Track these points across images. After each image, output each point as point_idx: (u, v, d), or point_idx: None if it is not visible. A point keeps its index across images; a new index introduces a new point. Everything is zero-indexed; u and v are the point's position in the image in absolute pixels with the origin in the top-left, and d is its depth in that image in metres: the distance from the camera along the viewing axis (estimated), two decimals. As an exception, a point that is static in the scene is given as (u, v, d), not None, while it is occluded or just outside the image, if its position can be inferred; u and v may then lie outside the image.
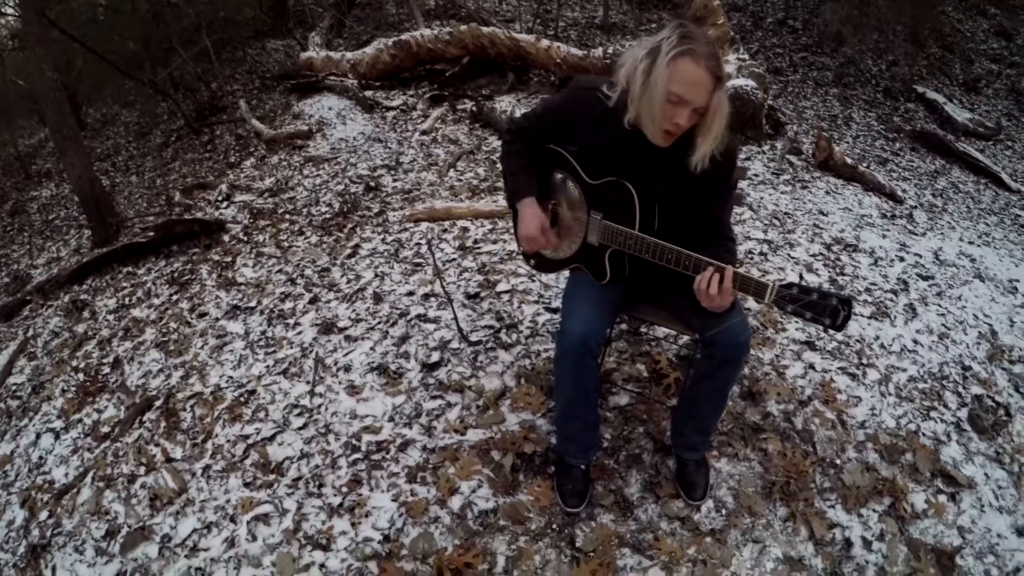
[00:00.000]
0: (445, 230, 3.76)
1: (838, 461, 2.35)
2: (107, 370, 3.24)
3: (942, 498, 2.28)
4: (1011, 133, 6.19)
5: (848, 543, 2.10)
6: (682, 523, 2.10)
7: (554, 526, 2.08)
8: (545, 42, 5.66)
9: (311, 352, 2.85)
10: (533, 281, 3.24)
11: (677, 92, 1.65)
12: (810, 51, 6.76)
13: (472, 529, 2.08)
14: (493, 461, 2.27)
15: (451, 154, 4.85)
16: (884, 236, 4.06)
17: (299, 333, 3.01)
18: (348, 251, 3.65)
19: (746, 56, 5.30)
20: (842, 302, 1.61)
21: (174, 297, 3.61)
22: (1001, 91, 6.67)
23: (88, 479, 2.59)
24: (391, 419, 2.45)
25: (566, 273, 2.24)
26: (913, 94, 6.32)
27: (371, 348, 2.83)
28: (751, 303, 3.02)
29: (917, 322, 3.22)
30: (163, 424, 2.68)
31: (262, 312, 3.23)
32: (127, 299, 3.79)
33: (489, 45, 5.71)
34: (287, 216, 4.16)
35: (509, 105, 5.22)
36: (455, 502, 2.14)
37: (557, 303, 3.08)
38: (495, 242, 3.60)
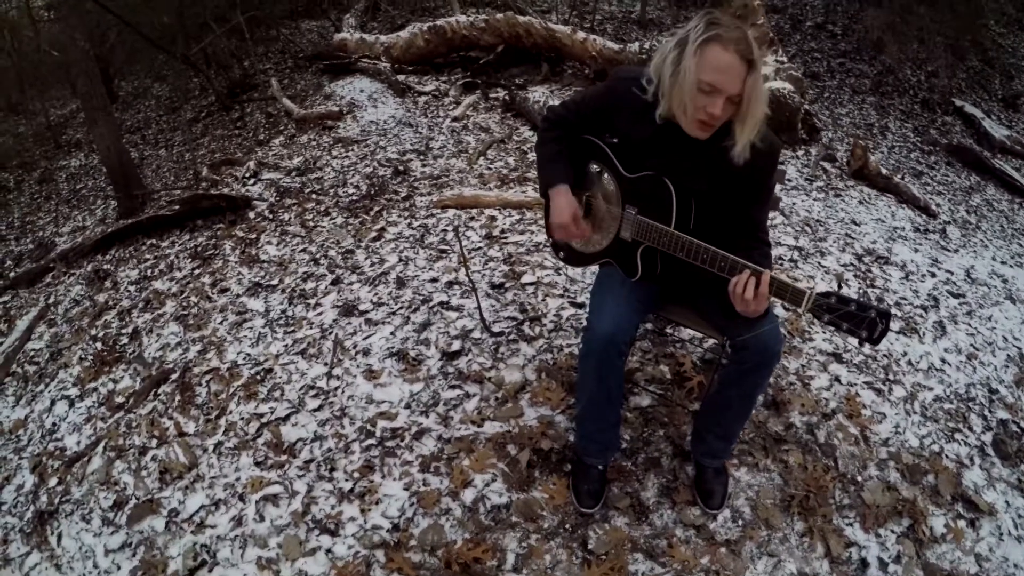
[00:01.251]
0: (472, 218, 3.71)
1: (859, 478, 2.30)
2: (125, 341, 3.25)
3: (961, 523, 2.22)
4: (1050, 152, 5.98)
5: (864, 563, 2.05)
6: (697, 531, 2.05)
7: (567, 526, 2.04)
8: (581, 34, 5.58)
9: (330, 334, 2.83)
10: (559, 274, 3.19)
11: (708, 80, 1.58)
12: (848, 57, 6.61)
13: (483, 524, 2.04)
14: (509, 455, 2.23)
15: (482, 142, 4.80)
16: (916, 250, 3.95)
17: (319, 314, 2.98)
18: (373, 234, 3.61)
19: (784, 59, 5.19)
20: (880, 315, 1.55)
21: (196, 271, 3.60)
22: (1042, 108, 6.46)
23: (100, 448, 2.59)
24: (408, 406, 2.42)
25: (594, 268, 2.19)
26: (951, 107, 6.14)
27: (391, 333, 2.79)
28: (779, 309, 2.96)
29: (946, 340, 3.12)
30: (178, 398, 2.68)
31: (283, 291, 3.21)
32: (149, 271, 3.80)
33: (524, 35, 5.64)
34: (314, 196, 4.14)
35: (543, 96, 5.15)
36: (468, 495, 2.10)
37: (583, 298, 3.03)
38: (522, 233, 3.55)
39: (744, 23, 5.06)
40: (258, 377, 2.66)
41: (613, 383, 1.92)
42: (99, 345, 3.29)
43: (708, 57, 1.57)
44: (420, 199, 3.98)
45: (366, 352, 2.70)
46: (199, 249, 3.83)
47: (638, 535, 2.03)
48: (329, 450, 2.27)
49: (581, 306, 2.98)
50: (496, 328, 2.82)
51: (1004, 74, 6.71)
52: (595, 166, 2.05)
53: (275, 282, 3.30)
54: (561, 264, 3.27)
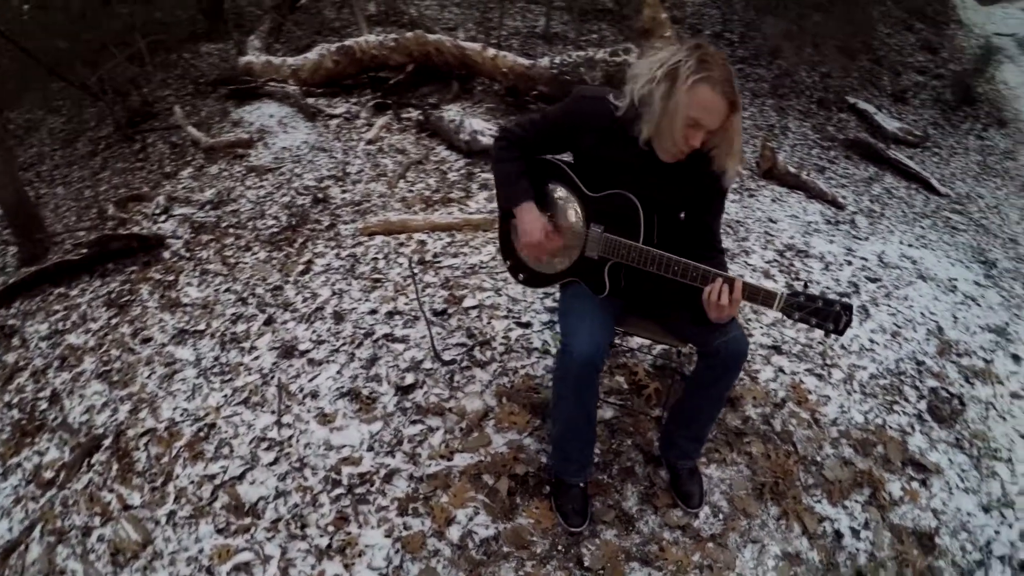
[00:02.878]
0: (402, 244, 3.62)
1: (818, 458, 2.48)
2: (44, 406, 2.94)
3: (915, 484, 2.47)
4: (937, 140, 6.53)
5: (838, 534, 2.22)
6: (683, 531, 2.13)
7: (559, 547, 2.04)
8: (491, 51, 5.58)
9: (272, 378, 2.67)
10: (500, 295, 3.16)
11: (695, 116, 1.68)
12: (747, 63, 6.96)
13: (476, 559, 1.99)
14: (487, 486, 2.19)
15: (400, 164, 4.70)
16: (831, 241, 4.20)
17: (256, 358, 2.81)
18: (301, 267, 3.45)
19: (690, 68, 5.39)
20: (844, 308, 1.70)
21: (113, 321, 3.32)
22: (927, 101, 7.03)
23: (36, 533, 2.33)
24: (370, 448, 2.32)
25: (541, 288, 2.19)
26: (845, 105, 6.57)
27: (338, 372, 2.67)
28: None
29: (871, 322, 3.38)
30: (115, 466, 2.44)
31: (213, 336, 3.01)
32: (61, 324, 3.46)
33: (435, 53, 5.58)
34: (232, 230, 3.92)
35: (457, 114, 5.09)
36: (454, 532, 2.04)
37: (527, 317, 3.02)
38: (455, 255, 3.50)
39: (652, 36, 5.26)
40: (201, 434, 2.47)
41: (591, 402, 1.96)
42: (15, 413, 2.96)
43: (698, 96, 1.66)
44: (344, 227, 3.84)
45: (314, 395, 2.57)
46: (113, 296, 3.52)
47: (629, 544, 2.08)
48: (296, 505, 2.14)
49: (527, 326, 2.97)
50: (447, 356, 2.76)
51: (892, 71, 7.26)
52: (555, 186, 2.06)
53: (202, 327, 3.08)
54: (501, 285, 3.25)
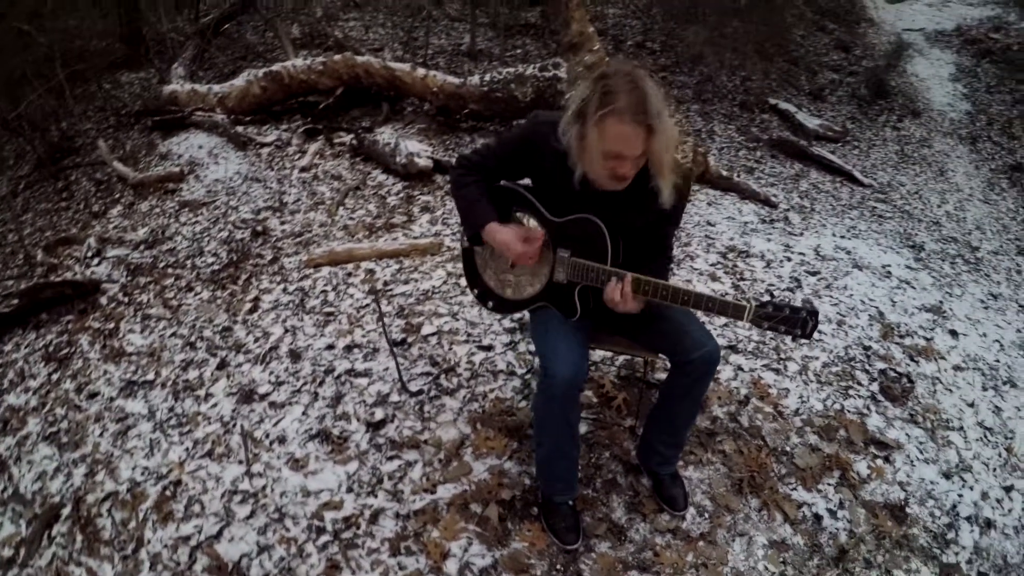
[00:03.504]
0: (350, 274, 3.55)
1: (787, 448, 2.59)
2: None
3: (879, 462, 2.60)
4: (856, 134, 6.86)
5: (817, 517, 2.32)
6: (674, 534, 2.18)
7: (558, 566, 2.06)
8: (421, 71, 5.56)
9: (234, 426, 2.57)
10: (457, 319, 3.15)
11: (611, 151, 1.69)
12: (669, 71, 7.18)
13: (478, 590, 1.95)
14: (476, 515, 2.17)
15: (337, 191, 4.62)
16: (769, 240, 4.36)
17: (214, 406, 2.70)
18: (248, 305, 3.34)
19: (619, 79, 5.51)
20: (810, 313, 1.77)
21: (54, 376, 3.11)
22: (843, 98, 7.39)
23: (2, 621, 2.16)
24: (350, 490, 2.26)
25: (511, 314, 2.19)
26: (767, 106, 6.84)
27: (303, 413, 2.60)
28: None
29: (826, 326, 3.47)
30: (79, 537, 2.28)
31: (164, 385, 2.87)
32: None
33: (364, 75, 5.52)
34: (170, 270, 3.75)
35: (392, 136, 5.04)
36: (451, 566, 2.02)
37: (488, 340, 3.02)
38: (406, 282, 3.46)
39: (580, 50, 5.34)
40: (167, 493, 2.34)
41: (575, 422, 2.00)
42: (-42, 486, 2.73)
43: (607, 130, 1.67)
44: (288, 260, 3.74)
45: (282, 440, 2.48)
46: (51, 349, 3.31)
47: (625, 554, 2.11)
48: (282, 559, 2.05)
49: (489, 348, 2.96)
50: (413, 387, 2.72)
51: (808, 71, 7.63)
52: (518, 212, 2.07)
53: (151, 376, 2.93)
54: (457, 309, 3.24)
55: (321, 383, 2.74)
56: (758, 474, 2.43)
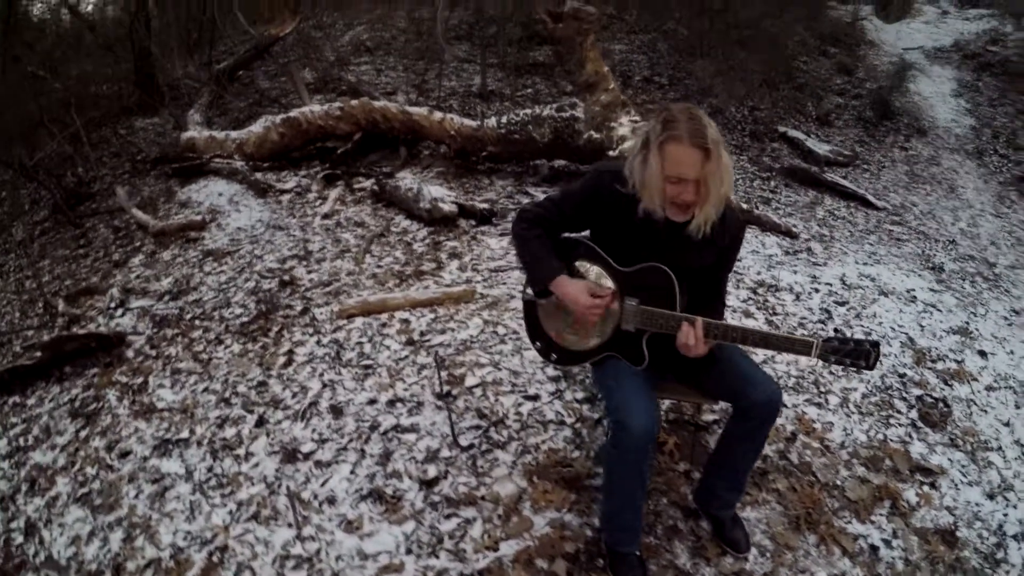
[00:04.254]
0: (384, 324, 3.47)
1: (838, 482, 2.63)
2: (20, 539, 2.58)
3: (926, 488, 2.68)
4: (865, 157, 6.90)
5: (873, 548, 2.37)
6: None
7: None
8: (438, 114, 5.58)
9: (280, 487, 2.47)
10: (500, 369, 3.09)
11: (673, 173, 1.78)
12: (679, 105, 7.23)
13: (555, 647, 1.87)
14: (543, 570, 2.13)
15: (362, 239, 4.57)
16: (795, 272, 4.34)
17: (256, 465, 2.60)
18: (282, 359, 3.25)
19: (638, 118, 5.53)
20: (872, 345, 1.82)
21: (82, 433, 3.00)
22: (850, 121, 7.46)
23: None
24: (409, 551, 2.17)
25: (575, 366, 2.16)
26: (776, 134, 6.88)
27: (351, 472, 2.51)
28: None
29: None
30: (125, 609, 2.18)
31: (200, 444, 2.77)
32: (22, 440, 3.09)
33: (382, 120, 5.53)
34: (197, 322, 3.67)
35: (414, 181, 5.01)
36: (524, 624, 1.93)
37: (533, 389, 2.95)
38: (443, 332, 3.38)
39: (596, 90, 5.37)
40: (215, 559, 2.23)
41: (646, 472, 2.01)
42: (-11, 552, 2.62)
43: (668, 153, 1.77)
44: (319, 311, 3.67)
45: (331, 500, 2.39)
46: (78, 404, 3.19)
47: None
48: (348, 631, 1.95)
49: (536, 398, 2.90)
50: (464, 441, 2.64)
51: (814, 96, 7.70)
52: (583, 264, 2.08)
53: (185, 434, 2.83)
54: (498, 359, 3.16)
55: (367, 440, 2.66)
56: (813, 510, 2.45)
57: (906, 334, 3.74)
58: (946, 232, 5.67)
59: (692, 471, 2.54)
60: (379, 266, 4.20)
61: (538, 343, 2.22)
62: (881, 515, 2.51)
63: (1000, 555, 2.46)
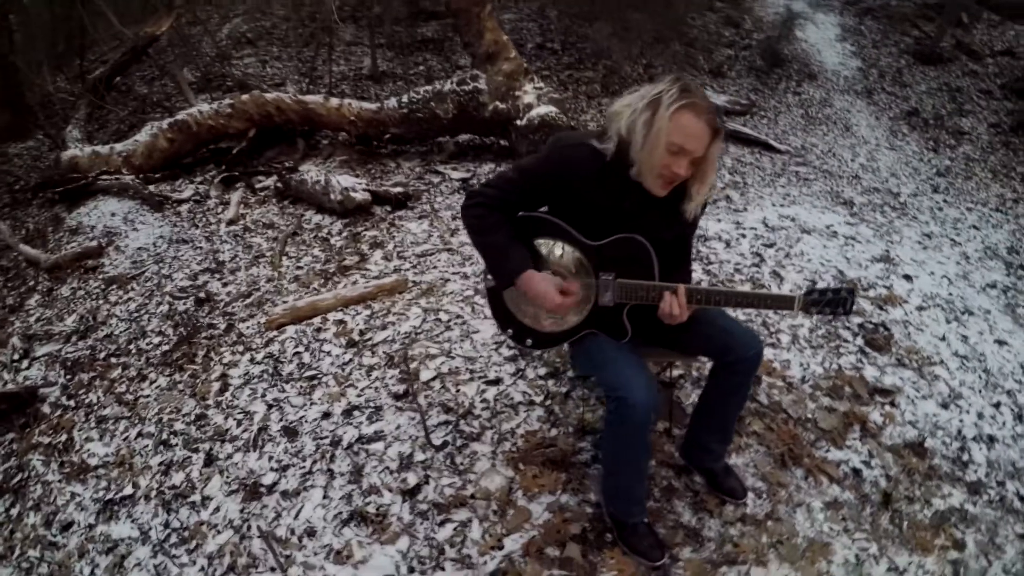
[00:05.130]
0: (319, 329, 3.26)
1: (808, 415, 2.72)
2: None
3: (887, 407, 2.82)
4: (761, 104, 7.08)
5: (856, 471, 2.49)
6: (743, 522, 2.23)
7: None
8: (335, 100, 5.28)
9: (250, 529, 2.26)
10: (453, 358, 2.97)
11: (677, 142, 1.69)
12: (574, 68, 7.18)
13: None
14: (556, 558, 2.07)
15: (275, 241, 4.28)
16: (719, 220, 4.39)
17: (216, 510, 2.37)
18: (216, 386, 2.99)
19: (542, 84, 5.44)
20: (848, 292, 1.86)
21: (13, 511, 2.63)
22: (742, 71, 7.63)
23: None
24: (411, 570, 2.05)
25: (554, 348, 2.12)
26: (673, 90, 6.96)
27: (324, 497, 2.33)
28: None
29: (786, 283, 3.64)
30: None
31: (148, 498, 2.49)
32: None
33: (276, 112, 5.16)
34: (114, 360, 3.31)
35: (320, 173, 4.73)
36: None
37: (493, 373, 2.86)
38: (384, 328, 3.22)
39: (497, 59, 5.22)
40: (196, 624, 2.02)
41: (649, 442, 2.01)
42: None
43: (681, 122, 1.68)
44: (245, 326, 3.41)
45: (311, 533, 2.21)
46: (0, 479, 2.80)
47: (708, 554, 2.12)
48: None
49: (497, 382, 2.80)
50: (436, 440, 2.51)
51: (705, 51, 7.82)
52: (547, 241, 1.97)
53: (129, 490, 2.54)
54: (448, 347, 3.04)
55: (332, 458, 2.47)
56: (793, 446, 2.53)
57: (836, 267, 3.87)
58: (848, 168, 5.94)
59: (671, 428, 2.55)
60: (299, 267, 3.96)
61: (510, 330, 2.10)
62: (854, 439, 2.62)
63: (965, 457, 2.64)
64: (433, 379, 2.83)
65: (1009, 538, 2.35)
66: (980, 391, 3.02)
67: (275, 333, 3.28)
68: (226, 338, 3.34)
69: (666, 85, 1.71)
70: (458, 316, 3.25)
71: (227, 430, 2.71)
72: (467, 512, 2.21)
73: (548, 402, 2.69)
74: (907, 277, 3.89)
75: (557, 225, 1.93)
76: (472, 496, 2.26)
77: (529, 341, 2.08)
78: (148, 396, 3.02)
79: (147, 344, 3.39)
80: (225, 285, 3.85)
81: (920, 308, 3.59)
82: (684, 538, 2.16)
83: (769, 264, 3.85)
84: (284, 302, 3.54)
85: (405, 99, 5.30)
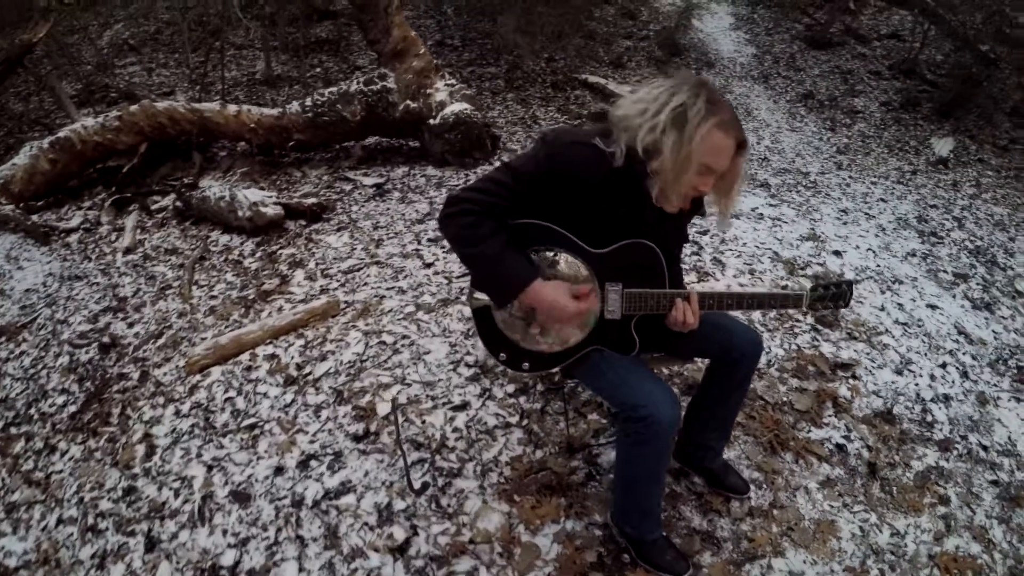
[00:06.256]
0: (249, 368, 2.91)
1: (783, 398, 2.76)
2: None
3: (851, 381, 2.91)
4: (664, 93, 7.18)
5: (839, 447, 2.56)
6: (752, 516, 2.24)
7: None
8: (232, 107, 4.83)
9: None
10: (408, 384, 2.73)
11: (708, 163, 1.57)
12: (476, 65, 7.01)
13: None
14: None
15: (182, 268, 3.83)
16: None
17: (169, 603, 2.02)
18: (141, 450, 2.59)
19: (454, 81, 5.22)
20: (848, 284, 1.89)
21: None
22: (642, 62, 7.69)
23: None
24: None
25: (554, 368, 1.92)
26: (577, 82, 6.91)
27: (300, 572, 2.04)
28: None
29: (730, 270, 3.67)
30: None
31: (83, 597, 2.10)
32: None
33: (169, 124, 4.65)
34: (14, 431, 2.81)
35: (223, 188, 4.28)
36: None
37: (457, 397, 2.65)
38: (323, 359, 2.91)
39: (407, 56, 4.95)
40: None
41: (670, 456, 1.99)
42: None
43: (712, 141, 1.55)
44: (161, 372, 3.00)
45: (291, 612, 1.92)
46: None
47: (727, 555, 2.11)
48: None
49: (464, 407, 2.60)
50: (416, 483, 2.27)
51: (605, 43, 7.84)
52: (544, 252, 1.76)
53: (55, 591, 2.14)
54: (400, 373, 2.78)
55: (298, 522, 2.18)
56: (777, 431, 2.57)
57: (770, 249, 3.93)
58: (756, 151, 6.08)
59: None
60: (213, 297, 3.56)
61: (502, 354, 1.87)
62: (830, 416, 2.68)
63: (929, 418, 2.76)
64: (391, 412, 2.57)
65: (983, 486, 2.47)
66: (926, 354, 3.14)
67: (198, 377, 2.90)
68: (142, 389, 2.92)
69: (688, 96, 1.55)
70: (404, 336, 3.01)
71: (164, 503, 2.34)
72: (470, 560, 2.01)
73: (525, 421, 2.53)
74: (836, 253, 4.00)
75: (555, 232, 1.72)
76: (471, 541, 2.06)
77: (526, 365, 1.86)
78: (62, 471, 2.58)
79: (50, 406, 2.91)
80: (131, 326, 3.40)
81: (855, 282, 3.68)
82: (701, 544, 2.12)
83: (708, 251, 3.87)
84: (203, 340, 3.15)
85: (309, 103, 4.94)
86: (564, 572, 1.96)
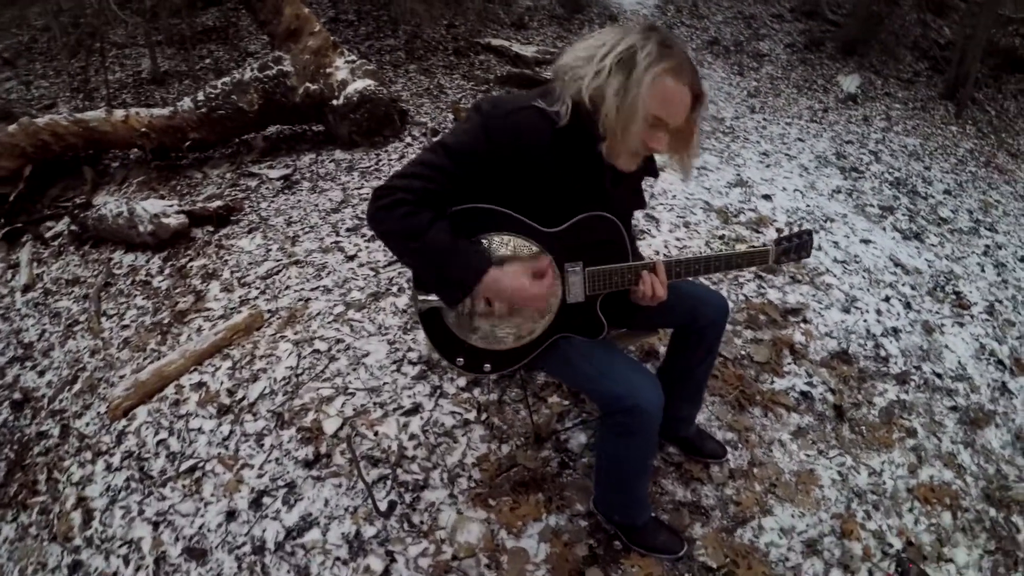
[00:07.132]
0: (176, 402, 2.65)
1: (742, 352, 2.75)
2: None
3: (803, 326, 2.93)
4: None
5: (804, 394, 2.57)
6: (733, 477, 2.24)
7: (686, 574, 1.98)
8: (120, 113, 4.40)
9: None
10: (352, 394, 2.54)
11: (658, 114, 1.38)
12: (374, 38, 6.68)
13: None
14: None
15: (87, 299, 3.49)
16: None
17: None
18: (78, 517, 2.32)
19: (354, 57, 4.91)
20: (808, 234, 1.88)
21: None
22: (544, 21, 7.48)
23: None
24: None
25: (518, 364, 1.76)
26: (480, 46, 6.69)
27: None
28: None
29: (665, 225, 3.65)
30: None
31: None
32: None
33: (53, 140, 4.19)
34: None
35: (120, 203, 3.88)
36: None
37: (407, 401, 2.50)
38: (255, 379, 2.67)
39: (301, 35, 4.63)
40: None
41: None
42: None
43: (664, 88, 1.37)
44: (83, 423, 2.71)
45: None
46: None
47: (719, 522, 2.11)
48: None
49: (417, 409, 2.46)
50: (382, 504, 2.12)
51: (504, 4, 7.60)
52: (488, 238, 1.56)
53: None
54: (340, 383, 2.59)
55: (264, 570, 2.00)
56: (742, 386, 2.56)
57: (701, 199, 3.91)
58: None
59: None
60: (125, 326, 3.25)
61: (459, 359, 1.69)
62: (790, 364, 2.69)
63: (883, 353, 2.81)
64: (341, 427, 2.40)
65: (944, 413, 2.55)
66: (868, 289, 3.21)
67: (124, 422, 2.62)
68: (65, 447, 2.63)
69: (639, 38, 1.37)
70: (338, 340, 2.79)
71: (115, 574, 2.11)
72: (458, 580, 1.89)
73: (484, 416, 2.41)
74: (766, 197, 4.02)
75: (501, 214, 1.53)
76: (455, 558, 1.95)
77: (487, 366, 1.70)
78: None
79: (-37, 482, 2.60)
80: (42, 374, 3.07)
81: (788, 224, 3.72)
82: (690, 516, 2.10)
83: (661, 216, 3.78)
84: (121, 378, 2.86)
85: (201, 97, 4.56)
86: (558, 572, 1.89)
